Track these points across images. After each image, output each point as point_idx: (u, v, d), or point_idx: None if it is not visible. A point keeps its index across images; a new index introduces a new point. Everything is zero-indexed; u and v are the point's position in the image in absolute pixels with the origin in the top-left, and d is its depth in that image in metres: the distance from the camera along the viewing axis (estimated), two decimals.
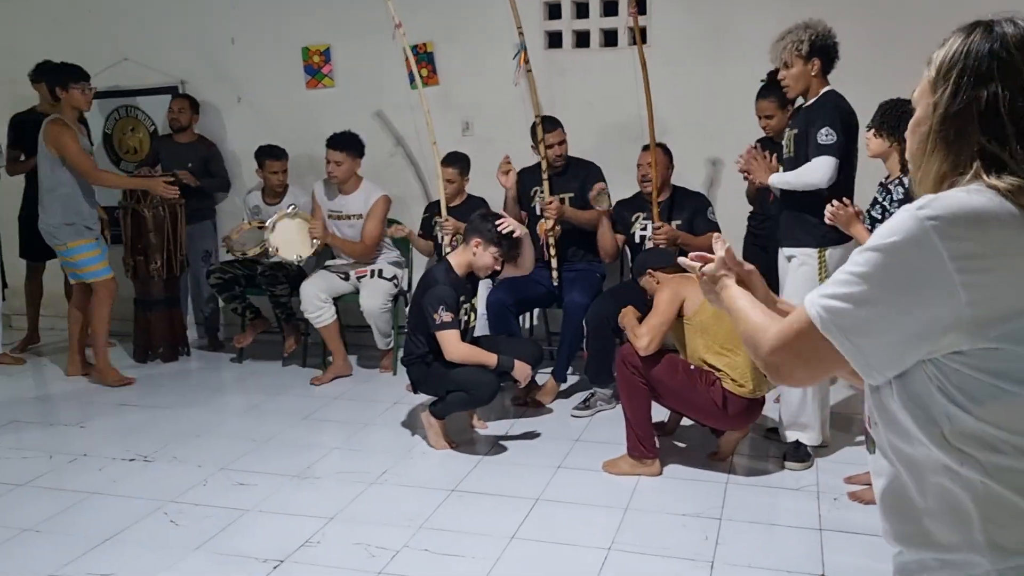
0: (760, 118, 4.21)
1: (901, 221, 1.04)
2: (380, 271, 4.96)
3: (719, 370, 3.34)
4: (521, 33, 4.51)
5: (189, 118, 5.48)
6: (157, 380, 4.98)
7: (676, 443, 3.81)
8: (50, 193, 4.72)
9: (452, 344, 3.68)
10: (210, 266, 5.26)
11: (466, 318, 3.85)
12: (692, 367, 3.39)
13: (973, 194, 1.03)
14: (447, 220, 4.55)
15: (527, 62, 4.50)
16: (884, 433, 1.12)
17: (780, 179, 3.46)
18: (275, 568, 2.79)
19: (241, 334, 5.26)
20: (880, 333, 1.04)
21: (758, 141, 4.32)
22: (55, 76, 4.81)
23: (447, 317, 3.66)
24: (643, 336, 3.36)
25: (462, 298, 3.80)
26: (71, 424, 4.25)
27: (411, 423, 4.15)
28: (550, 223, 4.39)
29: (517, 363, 3.75)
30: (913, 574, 1.14)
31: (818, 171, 3.27)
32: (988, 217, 1.01)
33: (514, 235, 3.79)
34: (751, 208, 4.45)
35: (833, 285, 1.09)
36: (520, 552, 2.89)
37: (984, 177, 1.04)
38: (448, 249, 4.45)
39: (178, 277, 5.44)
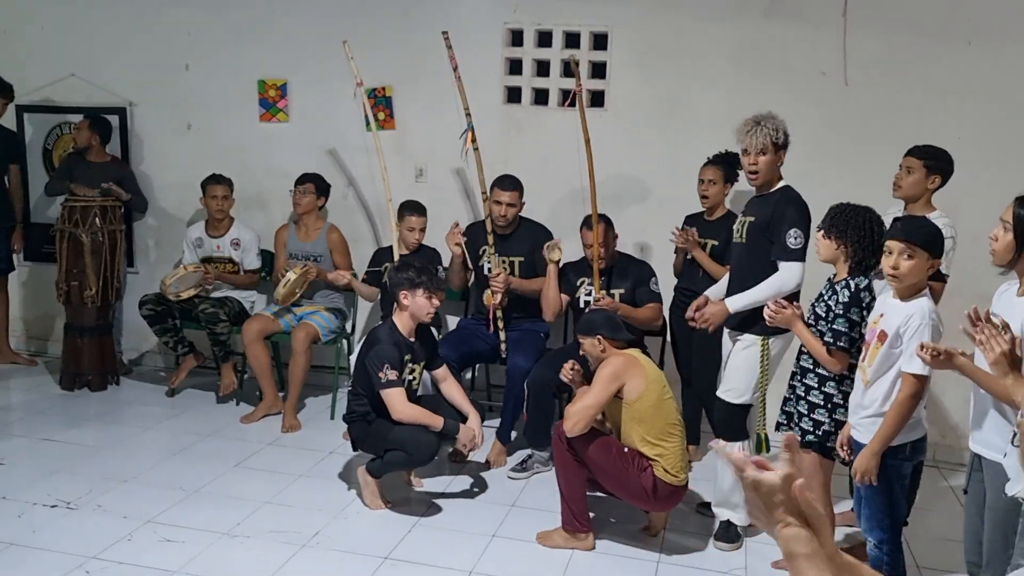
0: (702, 182, 4.29)
1: None
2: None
3: (651, 459, 3.39)
4: (468, 114, 4.54)
5: (87, 138, 5.29)
6: (84, 412, 4.84)
7: (609, 515, 3.84)
8: None
9: (398, 403, 3.65)
10: (143, 296, 5.12)
11: (410, 378, 3.84)
12: (625, 449, 3.43)
13: None
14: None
15: (474, 141, 4.53)
16: None
17: (749, 299, 3.40)
18: None
19: (174, 371, 5.15)
20: None
21: (686, 219, 4.43)
22: None
23: (392, 375, 3.65)
24: (571, 417, 3.37)
25: (407, 357, 3.79)
26: None
27: (347, 476, 4.11)
28: (498, 296, 4.40)
29: (463, 428, 3.75)
30: None
31: (791, 280, 3.33)
32: None
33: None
34: (678, 280, 4.53)
35: None
36: None
37: None
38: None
39: (112, 305, 5.31)
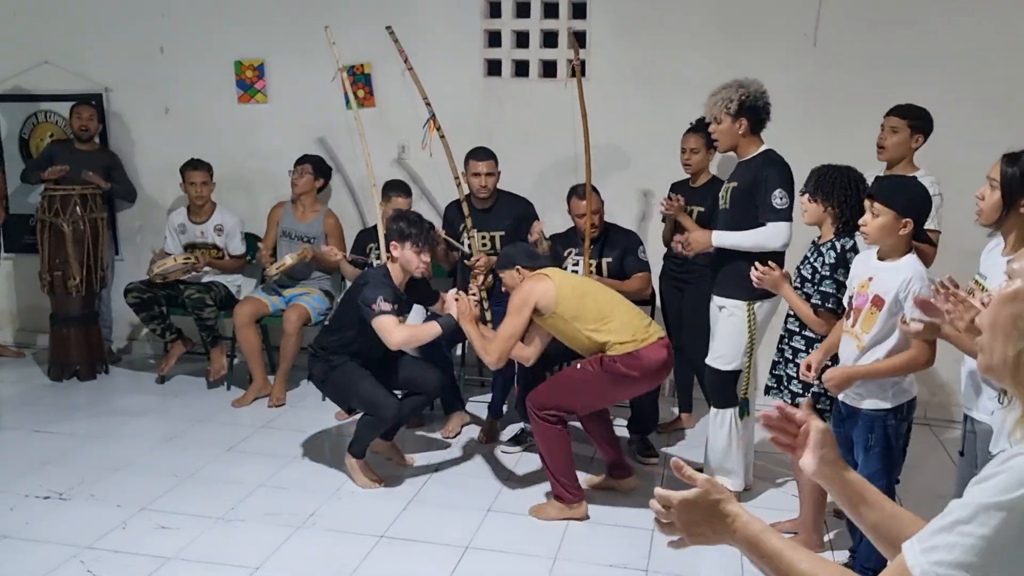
0: (685, 151, 4.28)
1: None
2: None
3: (604, 345, 3.39)
4: (428, 104, 4.51)
5: (97, 125, 5.31)
6: (74, 402, 4.82)
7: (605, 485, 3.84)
8: None
9: (390, 329, 3.60)
10: (129, 284, 5.08)
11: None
12: (578, 365, 3.45)
13: None
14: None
15: (438, 129, 4.50)
16: None
17: (731, 240, 3.47)
18: None
19: (163, 358, 5.12)
20: None
21: (672, 186, 4.40)
22: None
23: (386, 306, 3.60)
24: (491, 353, 3.43)
25: (395, 307, 3.71)
26: None
27: (339, 456, 4.09)
28: (480, 278, 4.37)
29: (450, 313, 3.69)
30: None
31: (776, 238, 3.36)
32: None
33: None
34: (666, 249, 4.52)
35: (946, 548, 0.98)
36: None
37: None
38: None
39: (97, 293, 5.27)
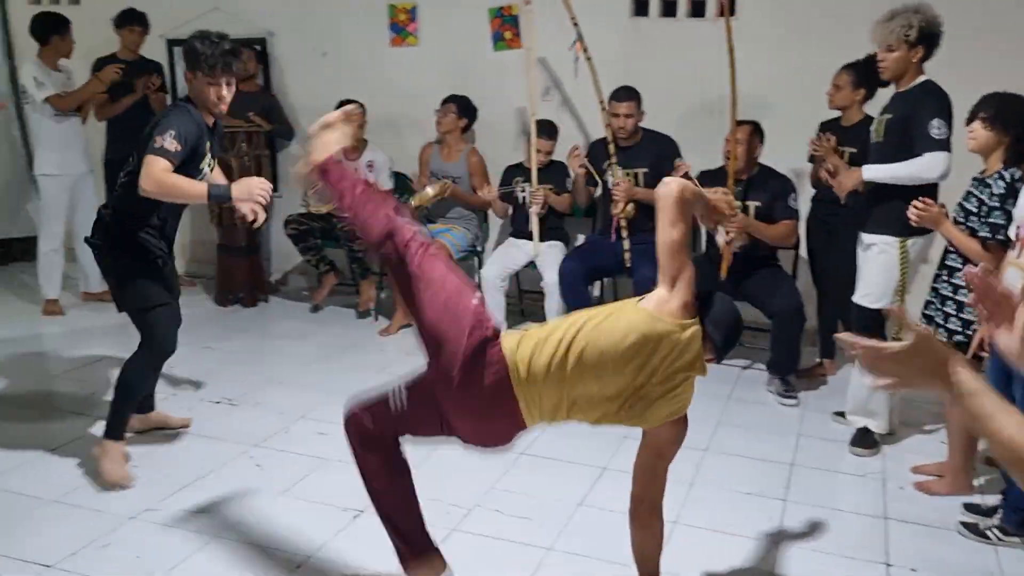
0: (832, 85, 4.16)
1: None
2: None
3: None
4: (576, 24, 4.52)
5: (256, 66, 5.60)
6: (238, 325, 5.20)
7: (738, 419, 3.85)
8: None
9: (157, 170, 2.81)
10: (287, 216, 5.39)
11: (207, 169, 3.20)
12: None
13: None
14: (538, 190, 4.63)
15: (585, 50, 4.51)
16: None
17: (885, 172, 3.35)
18: (355, 518, 2.96)
19: (317, 289, 5.43)
20: None
21: (821, 125, 4.27)
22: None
23: (171, 145, 2.85)
24: None
25: (207, 145, 3.13)
26: None
27: None
28: (620, 205, 4.41)
29: (235, 186, 2.98)
30: None
31: (935, 168, 3.22)
32: None
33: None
34: (815, 192, 4.41)
35: None
36: (587, 519, 3.00)
37: None
38: (536, 217, 4.55)
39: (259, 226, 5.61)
